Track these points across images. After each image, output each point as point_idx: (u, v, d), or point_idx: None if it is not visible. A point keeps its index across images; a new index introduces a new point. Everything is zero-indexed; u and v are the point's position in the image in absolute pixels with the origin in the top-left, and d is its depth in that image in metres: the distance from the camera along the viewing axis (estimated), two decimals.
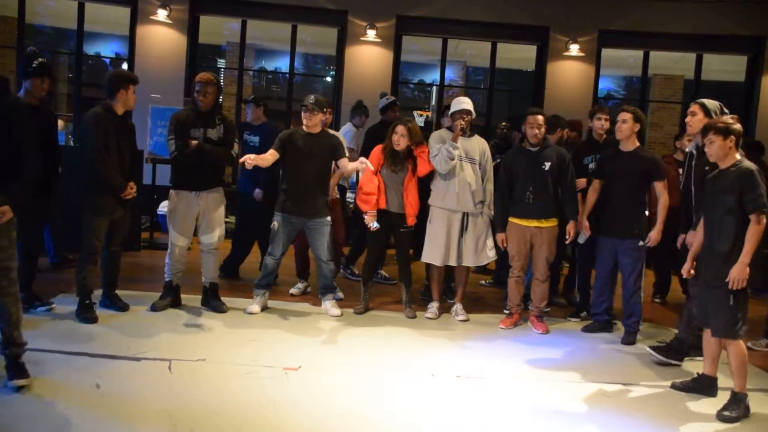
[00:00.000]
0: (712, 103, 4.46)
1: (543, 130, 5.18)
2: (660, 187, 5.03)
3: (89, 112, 4.75)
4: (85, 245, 4.75)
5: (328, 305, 5.33)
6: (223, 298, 5.24)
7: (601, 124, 5.69)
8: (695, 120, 4.42)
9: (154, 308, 4.99)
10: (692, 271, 4.14)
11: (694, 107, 4.49)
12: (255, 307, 5.18)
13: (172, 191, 5.05)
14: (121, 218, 4.90)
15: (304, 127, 5.21)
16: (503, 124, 7.50)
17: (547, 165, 5.16)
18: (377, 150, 5.36)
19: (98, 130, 4.62)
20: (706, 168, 4.08)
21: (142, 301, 5.12)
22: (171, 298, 5.12)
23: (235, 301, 5.32)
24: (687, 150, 4.75)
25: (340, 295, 5.71)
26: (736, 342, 3.73)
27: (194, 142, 4.88)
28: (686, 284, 4.93)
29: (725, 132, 3.77)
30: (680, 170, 5.38)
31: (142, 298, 5.22)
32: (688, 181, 4.58)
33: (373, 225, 5.24)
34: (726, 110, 4.47)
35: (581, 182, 5.39)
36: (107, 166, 4.65)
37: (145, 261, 6.85)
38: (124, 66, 10.10)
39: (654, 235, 4.98)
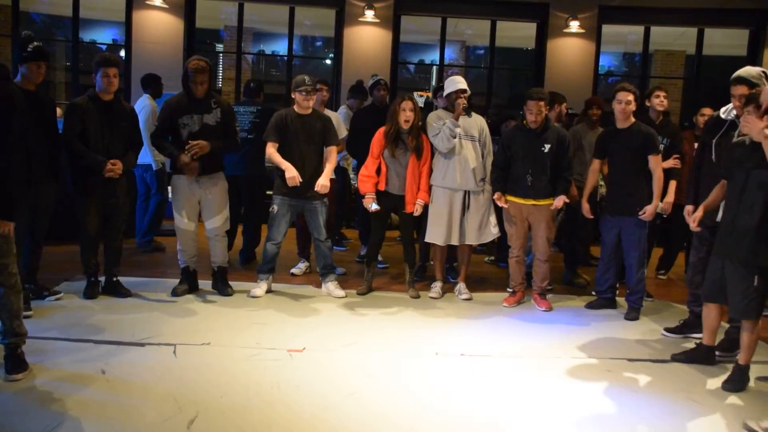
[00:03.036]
0: (752, 71, 4.09)
1: (543, 115, 5.10)
2: (653, 162, 4.95)
3: (69, 102, 4.95)
4: (80, 228, 4.90)
5: (331, 287, 5.33)
6: (231, 283, 5.26)
7: (660, 101, 5.52)
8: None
9: (175, 293, 5.04)
10: (698, 228, 4.12)
11: (739, 88, 4.03)
12: (258, 291, 5.19)
13: (173, 176, 5.05)
14: (115, 203, 4.92)
15: (296, 108, 5.17)
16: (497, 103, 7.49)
17: (547, 147, 5.09)
18: (379, 134, 5.28)
19: (73, 118, 4.76)
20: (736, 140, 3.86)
21: (146, 287, 5.15)
22: (189, 283, 5.16)
23: (241, 285, 5.33)
24: (724, 116, 4.32)
25: (341, 270, 5.73)
26: (753, 321, 3.67)
27: (195, 149, 4.85)
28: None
29: None
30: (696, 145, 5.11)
31: (144, 284, 5.25)
32: (706, 151, 4.37)
33: (372, 207, 5.22)
34: None
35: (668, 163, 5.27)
36: (77, 146, 4.73)
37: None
38: (122, 53, 10.02)
39: (650, 209, 4.93)
